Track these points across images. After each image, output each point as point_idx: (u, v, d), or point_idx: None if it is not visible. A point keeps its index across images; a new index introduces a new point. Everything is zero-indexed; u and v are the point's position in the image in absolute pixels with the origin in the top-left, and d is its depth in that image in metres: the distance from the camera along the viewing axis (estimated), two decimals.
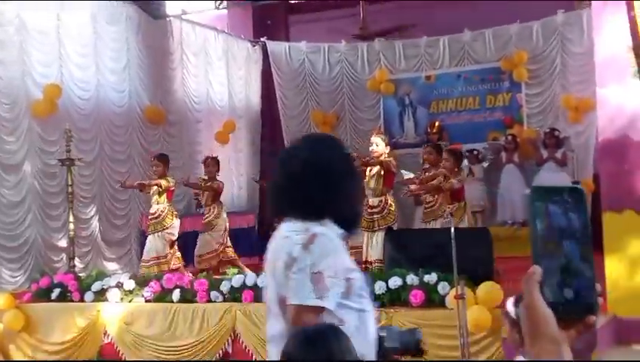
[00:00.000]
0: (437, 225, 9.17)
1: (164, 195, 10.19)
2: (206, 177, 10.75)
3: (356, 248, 10.15)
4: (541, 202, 1.27)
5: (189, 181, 10.87)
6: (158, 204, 10.19)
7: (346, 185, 2.75)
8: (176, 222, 10.31)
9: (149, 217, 10.29)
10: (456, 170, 9.29)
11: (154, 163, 10.36)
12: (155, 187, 10.16)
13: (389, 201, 9.14)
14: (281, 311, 2.65)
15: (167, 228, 10.10)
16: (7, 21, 10.22)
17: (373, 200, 9.06)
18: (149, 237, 10.20)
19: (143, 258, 10.22)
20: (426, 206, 9.76)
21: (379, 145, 9.12)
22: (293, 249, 2.58)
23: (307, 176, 2.67)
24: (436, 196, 9.49)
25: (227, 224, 10.79)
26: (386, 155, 9.10)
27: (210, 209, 10.66)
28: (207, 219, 10.65)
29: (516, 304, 4.17)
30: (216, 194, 10.69)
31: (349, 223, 2.76)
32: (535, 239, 1.26)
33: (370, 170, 9.08)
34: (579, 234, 1.26)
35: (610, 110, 7.89)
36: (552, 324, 1.21)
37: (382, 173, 9.01)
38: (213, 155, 11.22)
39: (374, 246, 8.95)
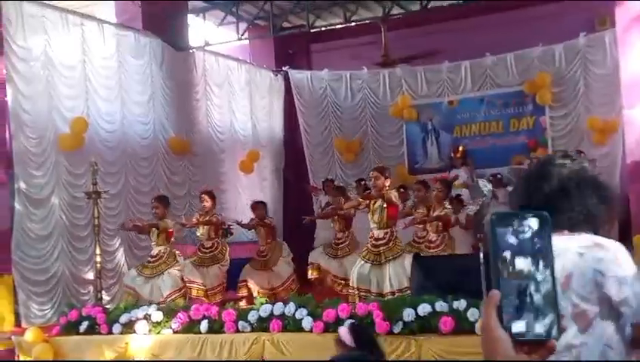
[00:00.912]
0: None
1: (164, 237, 10.02)
2: (202, 212, 10.61)
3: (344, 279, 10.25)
4: (501, 228, 1.28)
5: (184, 222, 10.76)
6: (158, 246, 10.02)
7: (612, 197, 2.84)
8: (181, 260, 10.19)
9: (151, 260, 10.01)
10: (445, 199, 9.58)
11: (154, 204, 10.16)
12: (154, 229, 10.03)
13: (395, 233, 9.17)
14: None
15: (172, 265, 9.94)
16: (34, 57, 10.37)
17: (378, 233, 9.06)
18: (160, 278, 9.84)
19: (158, 299, 9.65)
20: (417, 240, 9.90)
21: (379, 179, 9.05)
22: (612, 267, 2.59)
23: (587, 190, 2.73)
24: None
25: None
26: (387, 188, 9.06)
27: (214, 243, 10.56)
28: (213, 253, 10.52)
29: (351, 331, 4.19)
30: (217, 227, 10.64)
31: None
32: (495, 264, 1.27)
33: (374, 203, 9.08)
34: (538, 259, 1.27)
35: (637, 131, 7.83)
36: (507, 346, 1.23)
37: (384, 205, 9.00)
38: (208, 189, 11.04)
39: (386, 278, 8.93)
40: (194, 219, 10.69)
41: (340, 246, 10.89)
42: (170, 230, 10.10)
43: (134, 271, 10.13)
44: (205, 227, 10.55)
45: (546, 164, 2.90)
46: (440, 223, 9.41)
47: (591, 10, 13.71)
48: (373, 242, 9.06)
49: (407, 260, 8.93)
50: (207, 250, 10.54)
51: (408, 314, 7.13)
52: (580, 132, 13.65)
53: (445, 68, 14.85)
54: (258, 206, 11.24)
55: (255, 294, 10.63)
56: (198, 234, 10.75)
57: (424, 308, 7.14)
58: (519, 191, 2.96)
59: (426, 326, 7.10)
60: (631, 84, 7.92)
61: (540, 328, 1.24)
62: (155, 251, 10.05)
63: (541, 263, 1.27)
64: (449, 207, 9.78)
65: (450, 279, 7.50)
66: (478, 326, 6.74)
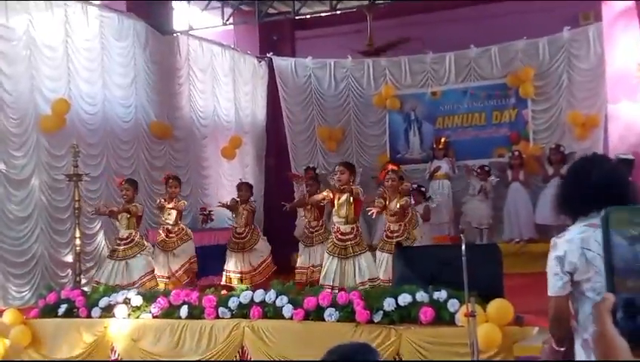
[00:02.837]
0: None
1: (134, 220, 10.15)
2: (169, 197, 10.84)
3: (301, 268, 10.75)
4: (618, 229, 1.23)
5: (227, 204, 11.18)
6: (128, 229, 10.14)
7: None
8: (149, 246, 10.40)
9: (121, 243, 10.10)
10: (400, 188, 9.61)
11: (124, 186, 10.26)
12: (125, 213, 10.12)
13: (359, 229, 9.24)
14: None
15: (145, 248, 10.15)
16: (16, 37, 10.24)
17: (345, 228, 9.08)
18: (131, 261, 10.00)
19: (129, 281, 9.88)
20: (390, 235, 9.79)
21: (344, 173, 9.08)
22: None
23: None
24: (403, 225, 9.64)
25: None
26: (352, 183, 9.14)
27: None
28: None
29: None
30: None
31: None
32: (609, 269, 1.22)
33: (339, 198, 9.09)
34: None
35: (620, 126, 7.89)
36: (625, 353, 1.19)
37: (351, 200, 9.03)
38: (174, 174, 11.37)
39: (351, 270, 8.96)
40: (158, 202, 10.92)
41: (315, 234, 11.05)
42: (140, 214, 10.27)
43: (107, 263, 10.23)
44: (173, 212, 10.73)
45: (591, 157, 3.23)
46: (400, 212, 9.41)
47: (575, 5, 13.77)
48: (340, 236, 9.08)
49: (369, 257, 9.15)
50: (173, 235, 10.71)
51: (389, 304, 7.16)
52: (562, 126, 13.74)
53: (429, 59, 14.86)
54: (244, 186, 11.38)
55: (235, 283, 10.81)
56: (164, 218, 10.86)
57: (404, 298, 7.17)
58: (567, 181, 3.19)
59: (406, 316, 7.14)
60: (616, 78, 7.96)
61: None
62: (124, 234, 10.15)
63: None
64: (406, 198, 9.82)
65: (431, 269, 7.53)
66: (458, 317, 6.78)
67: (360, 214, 9.50)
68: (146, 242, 10.38)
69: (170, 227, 10.74)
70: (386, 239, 9.44)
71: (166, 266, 10.62)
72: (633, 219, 1.22)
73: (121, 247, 10.04)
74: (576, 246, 3.06)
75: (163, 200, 10.84)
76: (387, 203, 9.40)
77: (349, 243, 9.01)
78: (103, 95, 11.69)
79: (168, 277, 10.58)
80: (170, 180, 10.87)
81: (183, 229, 10.91)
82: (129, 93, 12.23)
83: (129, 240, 10.08)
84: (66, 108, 10.65)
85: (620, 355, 1.17)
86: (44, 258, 10.51)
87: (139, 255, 10.03)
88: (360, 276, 8.90)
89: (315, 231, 11.07)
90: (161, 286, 10.12)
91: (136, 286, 9.61)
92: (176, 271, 10.65)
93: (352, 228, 9.09)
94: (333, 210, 9.30)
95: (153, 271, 10.23)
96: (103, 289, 8.89)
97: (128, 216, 10.08)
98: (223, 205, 11.27)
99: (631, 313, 1.21)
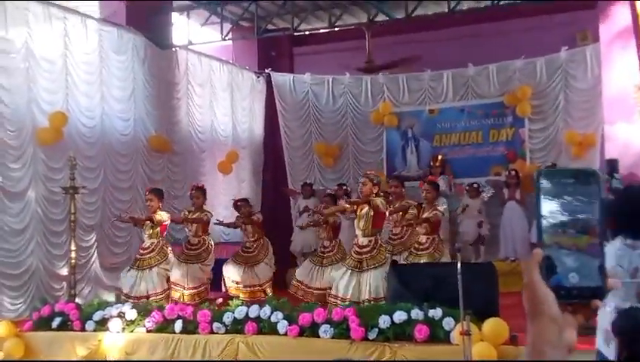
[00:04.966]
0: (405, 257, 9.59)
1: (158, 229, 10.05)
2: (192, 209, 10.59)
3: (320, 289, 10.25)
4: (547, 183, 1.27)
5: (174, 218, 10.77)
6: (150, 238, 10.05)
7: None
8: (170, 256, 10.19)
9: (142, 252, 10.06)
10: (435, 201, 9.64)
11: (148, 197, 10.17)
12: (148, 221, 10.03)
13: (379, 241, 9.03)
14: None
15: (161, 262, 9.99)
16: (15, 49, 10.26)
17: (362, 240, 8.91)
18: (145, 272, 9.92)
19: (134, 294, 9.76)
20: (393, 237, 9.95)
21: (366, 185, 8.90)
22: None
23: None
24: (404, 228, 9.74)
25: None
26: (374, 195, 8.90)
27: (200, 240, 10.53)
28: (198, 251, 10.50)
29: None
30: (205, 225, 10.61)
31: None
32: (539, 224, 1.26)
33: (361, 210, 8.93)
34: (586, 221, 1.24)
35: (617, 147, 7.92)
36: (551, 303, 1.22)
37: (370, 213, 8.83)
38: (199, 184, 11.04)
39: (364, 285, 8.75)
40: (182, 215, 10.69)
41: (327, 255, 10.74)
42: (165, 223, 10.12)
43: (125, 271, 10.12)
44: (194, 224, 10.53)
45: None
46: (429, 226, 9.47)
47: (573, 25, 13.85)
48: (357, 249, 8.94)
49: (380, 274, 8.85)
50: (192, 247, 10.50)
51: (384, 321, 7.15)
52: (558, 145, 13.78)
53: (427, 76, 14.91)
54: (242, 204, 11.27)
55: (229, 285, 10.67)
56: (187, 231, 10.73)
57: (400, 316, 7.17)
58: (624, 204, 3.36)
59: (400, 333, 7.13)
60: (613, 99, 8.00)
61: (583, 288, 1.22)
62: (146, 243, 10.09)
63: (586, 226, 1.24)
64: (440, 208, 9.79)
65: (426, 287, 7.53)
66: (453, 335, 6.77)
67: (382, 226, 9.36)
68: (169, 254, 10.12)
69: (191, 239, 10.56)
70: (414, 251, 9.52)
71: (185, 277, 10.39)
72: (561, 179, 1.29)
73: (143, 257, 9.97)
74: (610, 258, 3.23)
75: (187, 211, 10.69)
76: (420, 215, 9.47)
77: (365, 256, 8.83)
78: (102, 108, 11.70)
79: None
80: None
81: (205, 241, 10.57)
82: (128, 106, 12.24)
83: (149, 250, 10.00)
84: (63, 121, 10.65)
85: (546, 303, 1.21)
86: (39, 270, 10.47)
87: (155, 269, 9.90)
88: (369, 292, 8.70)
89: (327, 251, 10.76)
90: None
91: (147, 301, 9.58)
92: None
93: (370, 241, 8.87)
94: (355, 221, 9.11)
95: (166, 290, 10.01)
96: (97, 303, 8.87)
97: (152, 225, 9.98)
98: (222, 224, 11.22)
99: (548, 269, 1.24)
